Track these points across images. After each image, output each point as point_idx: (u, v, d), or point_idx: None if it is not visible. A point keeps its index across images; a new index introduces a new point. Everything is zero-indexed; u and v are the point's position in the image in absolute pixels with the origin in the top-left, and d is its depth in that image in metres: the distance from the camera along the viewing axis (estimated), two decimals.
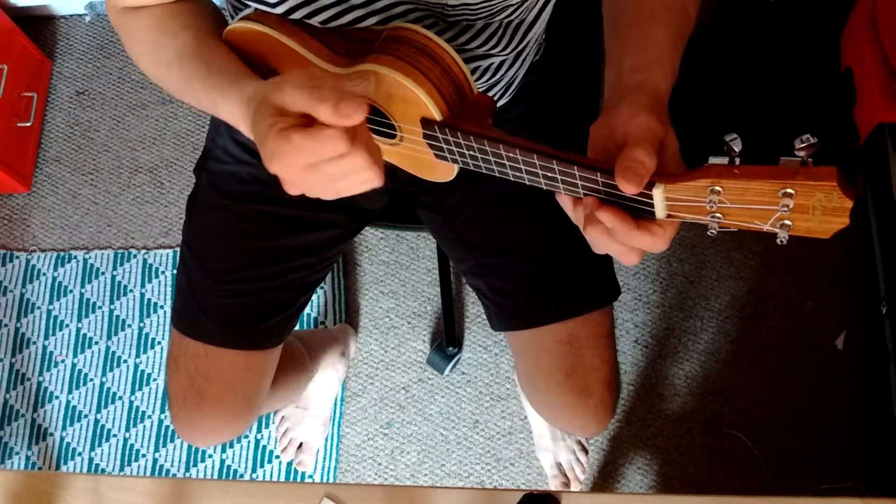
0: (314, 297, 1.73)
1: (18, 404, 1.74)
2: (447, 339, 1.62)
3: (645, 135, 0.61)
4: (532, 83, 1.01)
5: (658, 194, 0.58)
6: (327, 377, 1.57)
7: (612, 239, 0.63)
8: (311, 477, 1.60)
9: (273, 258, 1.03)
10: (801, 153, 0.52)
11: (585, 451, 1.53)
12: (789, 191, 0.52)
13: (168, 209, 1.86)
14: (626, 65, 0.69)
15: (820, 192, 0.51)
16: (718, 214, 0.57)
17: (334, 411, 1.64)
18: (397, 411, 1.64)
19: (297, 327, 1.19)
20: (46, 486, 0.91)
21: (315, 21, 0.76)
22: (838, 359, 1.57)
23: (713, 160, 0.56)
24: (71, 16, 2.07)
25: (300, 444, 1.59)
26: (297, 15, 0.76)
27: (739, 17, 1.63)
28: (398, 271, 1.74)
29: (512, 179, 0.68)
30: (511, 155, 0.65)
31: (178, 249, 1.80)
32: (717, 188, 0.55)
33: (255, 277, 1.04)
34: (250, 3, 0.76)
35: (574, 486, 1.51)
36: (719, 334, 1.61)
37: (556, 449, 1.51)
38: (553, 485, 1.52)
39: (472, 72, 0.87)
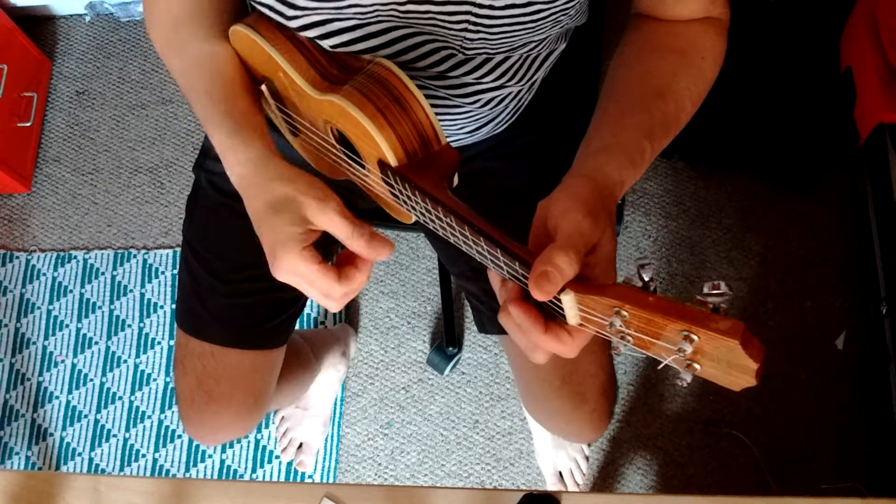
0: None
1: (18, 404, 1.74)
2: (447, 339, 1.62)
3: (573, 236, 0.58)
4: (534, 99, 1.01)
5: (567, 301, 0.56)
6: (328, 377, 1.57)
7: (521, 333, 0.61)
8: (311, 477, 1.60)
9: None
10: (711, 299, 0.49)
11: (587, 458, 1.52)
12: (693, 336, 0.49)
13: (168, 209, 1.86)
14: (593, 144, 0.69)
15: (723, 346, 0.48)
16: (629, 338, 0.54)
17: (334, 411, 1.64)
18: (397, 411, 1.64)
19: (297, 327, 1.19)
20: (46, 486, 0.91)
21: (327, 44, 0.76)
22: (838, 359, 1.57)
23: (630, 278, 0.54)
24: (71, 16, 2.07)
25: (300, 445, 1.59)
26: (309, 34, 0.75)
27: (739, 17, 1.63)
28: (398, 271, 1.74)
29: (452, 242, 0.68)
30: (448, 221, 0.64)
31: (178, 249, 1.80)
32: (624, 312, 0.52)
33: (259, 277, 1.03)
34: (266, 11, 0.76)
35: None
36: None
37: (556, 457, 1.50)
38: None
39: (486, 103, 0.87)
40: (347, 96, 0.70)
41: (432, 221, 0.68)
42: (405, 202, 0.71)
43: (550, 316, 0.60)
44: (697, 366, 0.51)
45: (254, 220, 0.71)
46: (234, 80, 0.78)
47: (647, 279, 0.53)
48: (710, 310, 0.49)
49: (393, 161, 0.69)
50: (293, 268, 0.67)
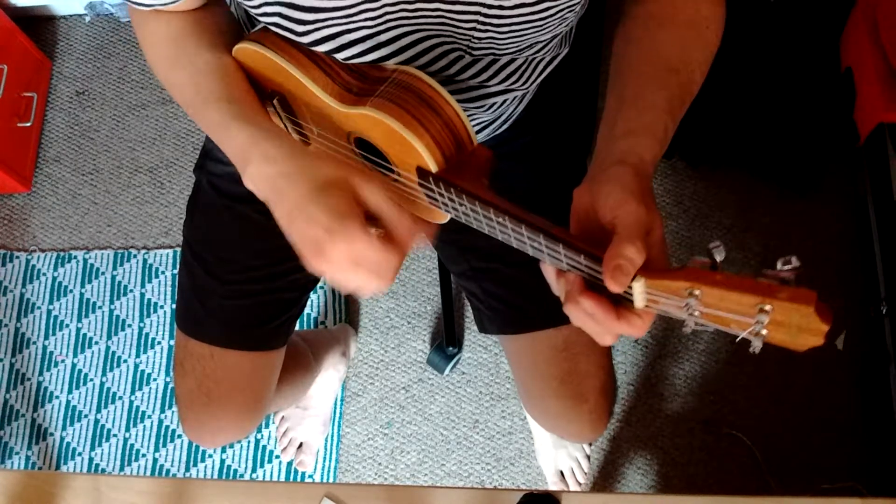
0: (314, 296, 1.73)
1: (18, 404, 1.74)
2: (447, 339, 1.62)
3: (634, 227, 0.60)
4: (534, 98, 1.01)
5: (638, 287, 0.59)
6: (328, 377, 1.57)
7: (591, 320, 0.63)
8: (311, 477, 1.60)
9: (276, 258, 1.03)
10: (784, 274, 0.53)
11: (588, 457, 1.52)
12: (767, 307, 0.53)
13: (168, 209, 1.86)
14: (619, 127, 0.69)
15: (797, 313, 0.52)
16: (696, 314, 0.57)
17: (334, 411, 1.64)
18: (397, 411, 1.64)
19: (297, 327, 1.19)
20: (46, 486, 0.91)
21: (340, 56, 0.76)
22: (838, 359, 1.57)
23: (696, 260, 0.57)
24: (71, 16, 2.07)
25: (300, 444, 1.60)
26: (321, 48, 0.75)
27: (739, 17, 1.63)
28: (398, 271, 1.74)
29: (500, 239, 0.68)
30: (500, 220, 0.65)
31: (178, 249, 1.80)
32: (696, 292, 0.56)
33: (259, 278, 1.04)
34: (275, 29, 0.75)
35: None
36: (719, 334, 1.61)
37: (557, 456, 1.50)
38: None
39: (490, 107, 0.87)
40: (381, 108, 0.69)
41: (478, 221, 0.69)
42: (445, 204, 0.71)
43: (615, 300, 0.62)
44: (765, 331, 0.55)
45: (293, 210, 0.68)
46: (249, 87, 0.78)
47: (718, 260, 0.56)
48: (781, 282, 0.53)
49: (433, 167, 0.69)
50: (351, 247, 0.65)
